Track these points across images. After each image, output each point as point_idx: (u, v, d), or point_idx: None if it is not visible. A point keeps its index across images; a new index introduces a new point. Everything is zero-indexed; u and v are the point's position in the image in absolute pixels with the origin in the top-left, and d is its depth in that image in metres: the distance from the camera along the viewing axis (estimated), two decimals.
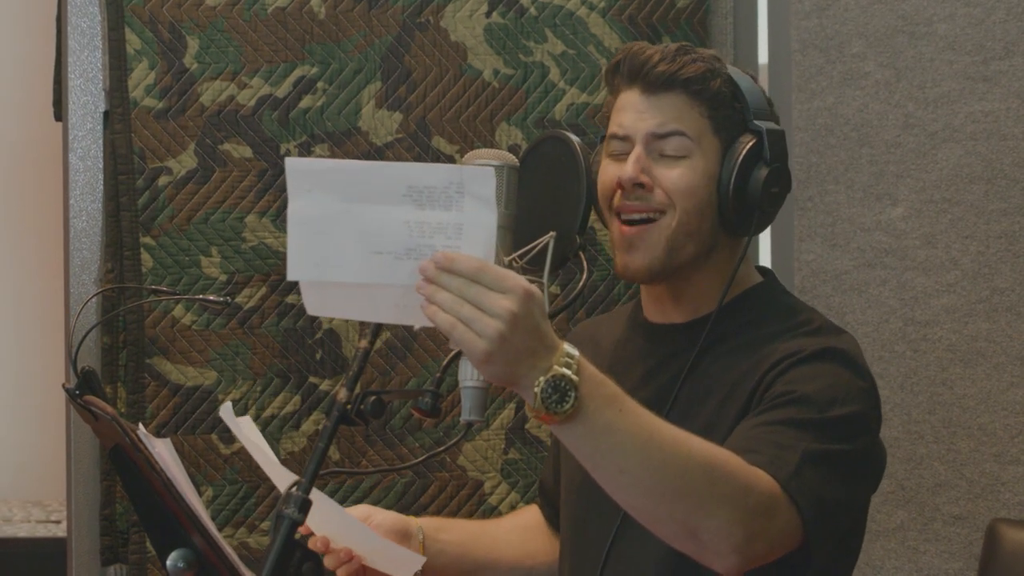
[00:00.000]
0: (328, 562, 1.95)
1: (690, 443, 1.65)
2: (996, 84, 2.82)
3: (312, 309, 1.60)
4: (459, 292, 1.52)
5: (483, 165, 1.70)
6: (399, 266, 1.55)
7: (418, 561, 1.87)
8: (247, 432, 1.87)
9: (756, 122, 1.93)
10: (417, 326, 1.60)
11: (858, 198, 2.93)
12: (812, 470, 1.75)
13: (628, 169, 1.91)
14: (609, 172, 1.94)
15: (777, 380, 1.84)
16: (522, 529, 2.20)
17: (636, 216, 1.92)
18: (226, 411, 1.83)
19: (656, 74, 1.91)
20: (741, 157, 1.91)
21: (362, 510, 2.03)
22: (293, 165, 1.56)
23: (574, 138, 1.92)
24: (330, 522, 1.89)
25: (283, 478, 1.82)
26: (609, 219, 1.95)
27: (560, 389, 1.56)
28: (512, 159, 1.73)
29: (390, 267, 1.55)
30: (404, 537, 2.03)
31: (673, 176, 1.91)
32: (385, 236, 1.55)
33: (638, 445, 1.61)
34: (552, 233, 1.77)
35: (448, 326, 1.53)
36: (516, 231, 1.73)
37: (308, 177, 1.55)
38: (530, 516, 2.22)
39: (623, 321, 2.09)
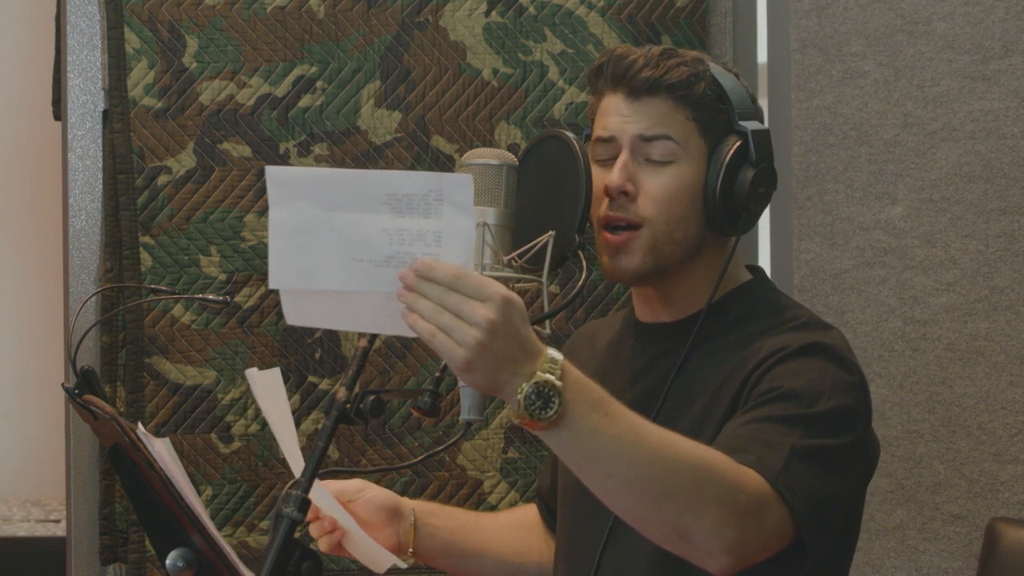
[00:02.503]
0: (313, 530, 1.97)
1: (678, 445, 1.65)
2: (995, 83, 2.81)
3: (291, 319, 1.60)
4: (438, 300, 1.53)
5: (481, 165, 1.71)
6: (380, 274, 1.55)
7: (388, 560, 1.88)
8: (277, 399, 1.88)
9: (741, 123, 1.93)
10: (397, 335, 1.60)
11: (857, 197, 2.93)
12: (800, 466, 1.75)
13: (615, 177, 1.91)
14: (597, 178, 1.94)
15: (763, 377, 1.84)
16: (517, 526, 2.20)
17: (619, 224, 1.92)
18: (273, 376, 1.84)
19: (640, 79, 1.91)
20: (727, 160, 1.91)
21: (356, 483, 2.05)
22: (273, 174, 1.56)
23: (573, 137, 1.92)
24: (319, 499, 1.91)
25: (296, 458, 1.84)
26: (596, 224, 1.96)
27: (543, 395, 1.56)
28: (511, 158, 1.73)
29: (371, 275, 1.55)
30: (395, 516, 2.04)
31: (658, 184, 1.91)
32: (365, 244, 1.55)
33: (624, 448, 1.61)
34: (551, 232, 1.77)
35: (428, 334, 1.53)
36: (515, 230, 1.73)
37: (289, 186, 1.56)
38: (527, 514, 2.23)
39: (619, 322, 2.10)
